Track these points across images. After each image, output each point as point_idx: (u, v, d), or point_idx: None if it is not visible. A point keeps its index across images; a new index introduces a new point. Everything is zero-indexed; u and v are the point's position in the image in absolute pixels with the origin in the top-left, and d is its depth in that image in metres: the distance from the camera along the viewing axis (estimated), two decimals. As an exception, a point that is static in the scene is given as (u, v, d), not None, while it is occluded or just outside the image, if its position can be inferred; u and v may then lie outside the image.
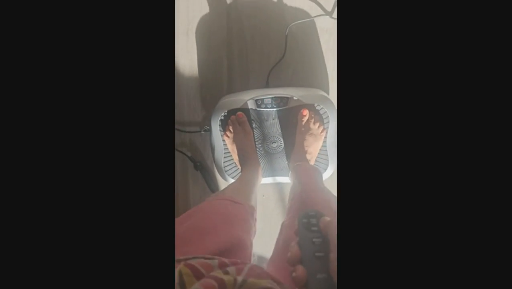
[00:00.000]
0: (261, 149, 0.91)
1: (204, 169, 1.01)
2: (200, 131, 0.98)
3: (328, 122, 0.86)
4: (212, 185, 1.02)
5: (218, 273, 0.32)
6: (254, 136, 0.89)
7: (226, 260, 0.36)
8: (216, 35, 0.95)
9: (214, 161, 0.93)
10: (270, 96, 0.86)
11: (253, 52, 0.96)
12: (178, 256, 0.34)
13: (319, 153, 0.89)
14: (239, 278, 0.33)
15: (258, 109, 0.87)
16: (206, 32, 0.96)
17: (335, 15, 0.91)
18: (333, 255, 0.29)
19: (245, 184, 0.78)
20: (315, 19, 0.92)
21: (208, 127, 0.91)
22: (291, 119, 0.88)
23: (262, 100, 0.86)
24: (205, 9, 0.94)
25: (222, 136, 0.89)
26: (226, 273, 0.33)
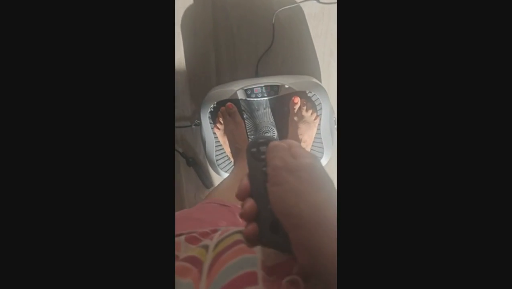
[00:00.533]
0: (253, 140, 0.88)
1: (196, 164, 0.99)
2: (191, 126, 0.95)
3: (321, 108, 0.84)
4: (206, 181, 0.99)
5: (189, 251, 0.30)
6: (246, 127, 0.87)
7: (195, 234, 0.34)
8: (201, 27, 0.93)
9: (206, 155, 0.90)
10: (260, 85, 0.83)
11: (241, 42, 0.93)
12: None
13: (314, 141, 0.87)
14: (212, 243, 0.30)
15: (248, 99, 0.84)
16: (191, 25, 0.93)
17: (322, -1, 0.89)
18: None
19: (238, 179, 0.76)
20: (302, 4, 0.90)
21: (199, 121, 0.89)
22: (283, 107, 0.86)
23: (252, 89, 0.84)
24: (189, 1, 0.92)
25: (212, 128, 0.87)
26: (198, 246, 0.31)
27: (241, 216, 0.28)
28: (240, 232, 0.31)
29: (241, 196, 0.29)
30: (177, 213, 0.50)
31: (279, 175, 0.26)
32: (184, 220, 0.47)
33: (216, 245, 0.29)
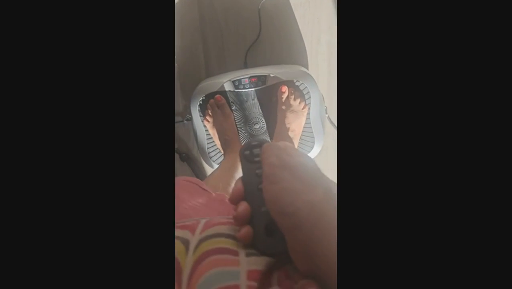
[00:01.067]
0: (244, 131, 0.89)
1: (190, 159, 0.99)
2: (183, 121, 0.96)
3: (310, 98, 0.84)
4: (200, 176, 1.00)
5: None
6: (235, 118, 0.87)
7: (177, 225, 0.32)
8: (188, 22, 0.93)
9: (198, 148, 0.91)
10: (247, 76, 0.83)
11: (228, 34, 0.93)
12: None
13: (303, 131, 0.87)
14: (194, 239, 0.28)
15: (236, 90, 0.85)
16: (178, 20, 0.94)
17: (307, -13, 0.88)
18: None
19: (226, 170, 0.76)
20: (288, -7, 0.89)
21: (190, 116, 0.90)
22: (271, 97, 0.86)
23: (240, 80, 0.84)
24: (176, -3, 0.93)
25: (202, 121, 0.87)
26: (178, 239, 0.28)
27: (235, 219, 0.27)
28: (225, 235, 0.28)
29: (235, 200, 0.28)
30: None
31: (275, 173, 0.26)
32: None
33: (197, 246, 0.27)
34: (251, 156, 0.30)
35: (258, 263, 0.25)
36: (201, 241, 0.27)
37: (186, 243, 0.28)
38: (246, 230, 0.26)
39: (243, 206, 0.27)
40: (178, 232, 0.30)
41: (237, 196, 0.28)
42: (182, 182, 0.52)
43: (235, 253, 0.26)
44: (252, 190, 0.28)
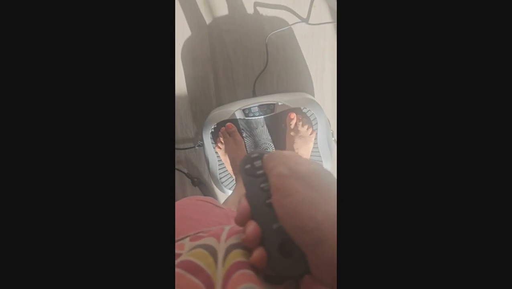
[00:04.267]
0: (254, 157, 0.92)
1: (202, 184, 1.02)
2: (194, 147, 1.00)
3: (317, 124, 0.88)
4: (211, 199, 1.02)
5: (192, 255, 0.25)
6: (245, 144, 0.91)
7: (200, 233, 0.30)
8: (200, 54, 0.99)
9: (210, 173, 0.94)
10: (256, 104, 0.88)
11: (237, 65, 0.99)
12: None
13: (311, 155, 0.90)
14: (221, 247, 0.26)
15: (246, 118, 0.89)
16: (190, 53, 1.00)
17: (311, 21, 0.94)
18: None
19: (240, 193, 0.78)
20: (292, 26, 0.95)
21: (201, 142, 0.94)
22: (279, 124, 0.90)
23: (249, 109, 0.88)
24: (187, 33, 0.99)
25: (214, 148, 0.91)
26: (205, 248, 0.26)
27: (244, 242, 0.24)
28: (241, 248, 0.26)
29: (241, 220, 0.25)
30: (177, 203, 0.47)
31: (286, 184, 0.23)
32: (183, 218, 0.42)
33: (225, 256, 0.25)
34: (253, 170, 0.27)
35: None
36: (228, 250, 0.26)
37: (214, 253, 0.26)
38: (259, 253, 0.23)
39: (252, 225, 0.24)
40: (203, 240, 0.28)
41: (243, 215, 0.25)
42: (196, 202, 0.51)
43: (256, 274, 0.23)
44: (259, 206, 0.25)
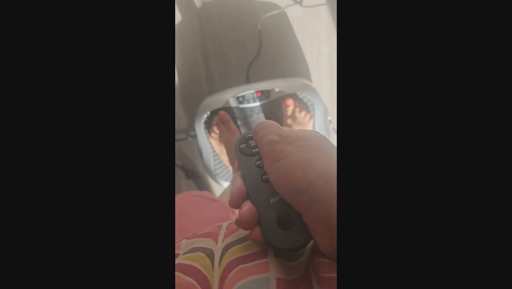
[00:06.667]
0: (250, 146, 0.89)
1: (196, 176, 0.99)
2: (187, 138, 0.95)
3: (314, 109, 0.85)
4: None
5: (188, 259, 0.25)
6: (240, 133, 0.87)
7: (197, 233, 0.29)
8: (189, 39, 0.94)
9: (204, 165, 0.90)
10: (251, 91, 0.84)
11: (229, 50, 0.94)
12: None
13: (309, 142, 0.87)
14: (217, 248, 0.26)
15: (240, 106, 0.85)
16: (179, 38, 0.94)
17: (304, 3, 0.90)
18: None
19: None
20: (286, 9, 0.91)
21: (194, 132, 0.89)
22: (275, 111, 0.86)
23: (243, 96, 0.84)
24: (178, 17, 0.94)
25: (208, 138, 0.87)
26: (202, 251, 0.26)
27: (238, 223, 0.23)
28: (238, 244, 0.25)
29: (236, 201, 0.24)
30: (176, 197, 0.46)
31: (276, 149, 0.23)
32: (180, 216, 0.43)
33: (222, 256, 0.25)
34: (248, 149, 0.26)
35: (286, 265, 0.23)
36: (225, 249, 0.25)
37: (211, 255, 0.25)
38: (255, 233, 0.23)
39: (247, 206, 0.23)
40: (200, 242, 0.27)
41: (237, 195, 0.24)
42: (192, 198, 0.50)
43: (263, 255, 0.23)
44: (256, 183, 0.24)
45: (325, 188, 0.20)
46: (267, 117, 0.87)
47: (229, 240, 0.26)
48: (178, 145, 0.99)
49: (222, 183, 0.91)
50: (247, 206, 0.23)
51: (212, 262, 0.24)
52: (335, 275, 0.20)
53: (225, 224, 0.29)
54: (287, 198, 0.22)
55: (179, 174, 1.00)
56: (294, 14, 0.91)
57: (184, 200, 0.49)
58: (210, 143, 0.87)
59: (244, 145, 0.27)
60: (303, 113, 0.83)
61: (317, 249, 0.22)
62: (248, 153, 0.26)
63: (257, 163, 0.25)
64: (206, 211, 0.46)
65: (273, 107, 0.86)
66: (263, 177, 0.24)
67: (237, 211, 0.31)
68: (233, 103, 0.85)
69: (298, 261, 0.23)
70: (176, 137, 0.98)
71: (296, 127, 0.83)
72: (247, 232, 0.24)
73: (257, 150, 0.26)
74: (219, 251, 0.25)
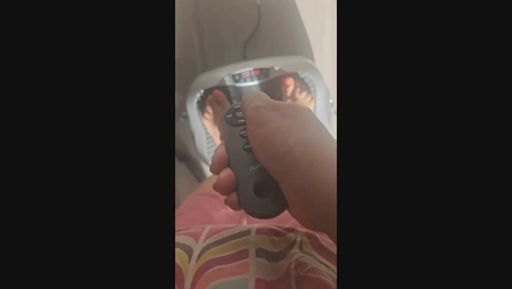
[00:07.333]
0: (245, 129, 0.83)
1: (188, 159, 0.93)
2: (179, 118, 0.89)
3: (315, 90, 0.79)
4: (199, 176, 0.94)
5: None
6: (236, 115, 0.82)
7: (181, 231, 0.30)
8: (182, 11, 0.87)
9: (196, 148, 0.85)
10: (249, 69, 0.77)
11: (225, 25, 0.87)
12: None
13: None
14: (197, 247, 0.26)
15: (236, 85, 0.79)
16: (171, 8, 0.87)
17: (310, -28, 0.83)
18: None
19: None
20: (289, -21, 0.83)
21: (186, 113, 0.83)
22: (275, 91, 0.80)
23: (240, 74, 0.78)
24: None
25: (201, 119, 0.81)
26: (181, 247, 0.27)
27: (215, 187, 0.24)
28: (232, 237, 0.27)
29: (217, 168, 0.24)
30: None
31: (261, 114, 0.23)
32: (178, 216, 0.45)
33: (200, 254, 0.25)
34: (234, 119, 0.27)
35: (267, 265, 0.23)
36: (205, 249, 0.26)
37: (189, 252, 0.26)
38: (231, 198, 0.24)
39: (226, 172, 0.24)
40: (181, 239, 0.28)
41: (218, 162, 0.24)
42: (192, 198, 0.52)
43: (244, 255, 0.24)
44: (238, 152, 0.25)
45: (302, 156, 0.20)
46: (265, 98, 0.82)
47: (210, 240, 0.27)
48: (169, 126, 0.93)
49: (216, 167, 0.86)
50: (226, 172, 0.24)
51: (190, 258, 0.25)
52: (316, 276, 0.21)
53: (208, 227, 0.30)
54: (266, 165, 0.22)
55: (170, 157, 0.95)
56: (297, -15, 0.84)
57: (185, 201, 0.50)
58: (203, 124, 0.82)
59: (231, 115, 0.27)
60: (304, 94, 0.77)
61: (299, 248, 0.23)
62: (233, 123, 0.27)
63: (241, 133, 0.26)
64: (207, 205, 0.47)
65: (272, 87, 0.80)
66: (246, 146, 0.25)
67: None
68: (228, 82, 0.78)
69: (279, 263, 0.24)
70: (167, 117, 0.92)
71: (296, 109, 0.78)
72: (229, 234, 0.26)
73: (242, 120, 0.27)
74: (198, 250, 0.26)
